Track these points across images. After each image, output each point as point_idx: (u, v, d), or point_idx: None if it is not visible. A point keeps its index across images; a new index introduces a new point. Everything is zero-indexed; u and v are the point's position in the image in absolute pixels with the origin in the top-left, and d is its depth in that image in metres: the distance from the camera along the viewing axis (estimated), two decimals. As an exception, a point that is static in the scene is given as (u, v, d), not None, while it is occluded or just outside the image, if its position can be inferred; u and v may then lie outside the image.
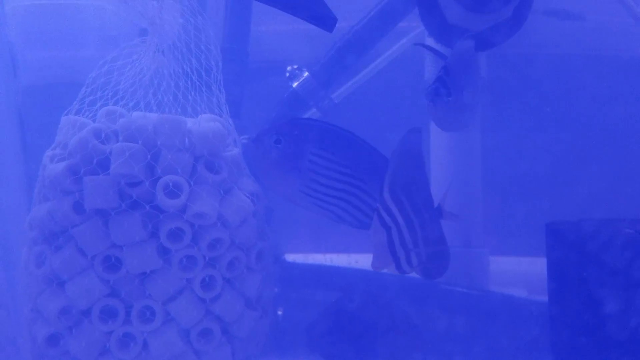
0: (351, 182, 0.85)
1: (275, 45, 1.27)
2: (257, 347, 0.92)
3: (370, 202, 0.85)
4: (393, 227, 0.72)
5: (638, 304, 0.77)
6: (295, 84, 1.12)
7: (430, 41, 1.05)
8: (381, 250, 0.72)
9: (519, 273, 1.31)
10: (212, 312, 0.84)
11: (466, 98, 0.89)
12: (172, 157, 0.81)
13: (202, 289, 0.82)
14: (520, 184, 1.32)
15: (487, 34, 0.95)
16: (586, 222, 0.89)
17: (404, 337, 1.01)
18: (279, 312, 1.10)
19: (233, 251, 0.84)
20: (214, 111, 0.89)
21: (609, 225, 0.86)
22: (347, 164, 0.84)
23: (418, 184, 0.78)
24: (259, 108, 1.10)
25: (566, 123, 1.33)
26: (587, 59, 1.23)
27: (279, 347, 1.03)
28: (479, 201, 1.21)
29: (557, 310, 0.90)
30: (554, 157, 1.35)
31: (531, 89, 1.30)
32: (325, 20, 0.84)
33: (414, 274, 0.85)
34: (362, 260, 1.22)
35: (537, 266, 1.04)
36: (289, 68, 1.10)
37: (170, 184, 0.80)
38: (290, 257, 1.16)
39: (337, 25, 0.85)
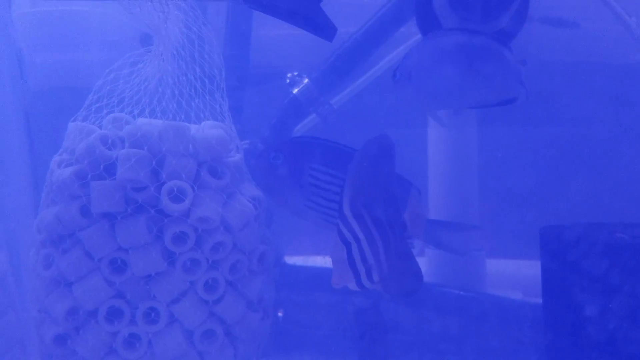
0: None
1: (275, 51, 1.29)
2: (258, 348, 0.93)
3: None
4: (353, 243, 0.70)
5: (625, 308, 0.79)
6: (295, 90, 1.14)
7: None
8: (341, 266, 0.71)
9: (516, 276, 1.34)
10: (215, 313, 0.85)
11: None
12: (177, 163, 0.83)
13: (205, 291, 0.84)
14: (516, 188, 1.34)
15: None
16: (578, 226, 0.91)
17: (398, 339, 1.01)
18: (280, 314, 1.12)
19: (235, 254, 0.86)
20: (216, 118, 0.90)
21: (600, 229, 0.88)
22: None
23: (384, 196, 0.74)
24: (260, 114, 1.12)
25: (562, 128, 1.35)
26: (582, 65, 1.26)
27: (279, 347, 1.05)
28: (475, 205, 1.23)
29: (550, 312, 0.92)
30: (549, 161, 1.37)
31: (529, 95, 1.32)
32: (325, 29, 0.86)
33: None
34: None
35: (533, 269, 1.06)
36: (289, 75, 1.12)
37: (175, 189, 0.82)
38: (291, 260, 1.18)
39: (337, 31, 0.87)
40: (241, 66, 1.11)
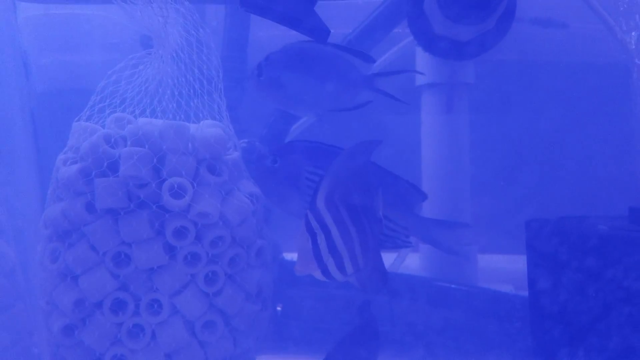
0: None
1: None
2: (257, 339, 0.96)
3: (388, 224, 0.87)
4: (320, 234, 0.71)
5: (610, 298, 0.82)
6: None
7: (419, 50, 1.10)
8: (304, 255, 0.72)
9: (507, 270, 1.37)
10: (215, 305, 0.88)
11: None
12: (177, 161, 0.86)
13: (206, 283, 0.87)
14: (507, 183, 1.37)
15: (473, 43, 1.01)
16: (564, 220, 0.94)
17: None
18: (278, 308, 1.15)
19: (234, 248, 0.89)
20: (215, 117, 0.93)
21: (584, 222, 0.91)
22: None
23: (365, 195, 0.76)
24: (258, 113, 1.15)
25: (551, 125, 1.38)
26: (570, 64, 1.29)
27: (278, 340, 1.08)
28: (467, 200, 1.26)
29: (536, 303, 0.95)
30: (539, 156, 1.40)
31: (518, 93, 1.35)
32: (318, 32, 0.89)
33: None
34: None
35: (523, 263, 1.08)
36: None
37: (175, 186, 0.85)
38: (289, 256, 1.21)
39: (330, 33, 0.90)
40: (239, 67, 1.14)
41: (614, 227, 0.85)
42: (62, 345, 0.87)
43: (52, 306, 0.88)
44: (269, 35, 1.25)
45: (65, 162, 0.90)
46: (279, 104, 0.97)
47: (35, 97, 1.06)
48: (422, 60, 1.21)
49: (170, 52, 0.88)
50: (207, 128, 0.92)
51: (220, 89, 0.92)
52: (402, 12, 1.07)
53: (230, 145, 0.94)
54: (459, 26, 0.95)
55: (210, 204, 0.86)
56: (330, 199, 0.72)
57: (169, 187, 0.85)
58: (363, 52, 0.91)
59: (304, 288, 1.18)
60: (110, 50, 1.18)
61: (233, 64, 1.13)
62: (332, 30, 0.89)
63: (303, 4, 0.86)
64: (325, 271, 0.72)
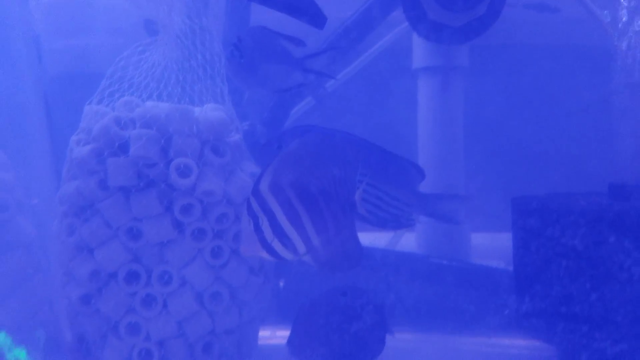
0: (361, 182, 0.88)
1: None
2: (261, 309, 1.02)
3: (392, 203, 0.90)
4: (262, 217, 0.73)
5: (595, 284, 0.87)
6: None
7: (415, 34, 1.14)
8: (247, 238, 0.75)
9: (498, 248, 1.42)
10: (221, 277, 0.94)
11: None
12: (183, 142, 0.91)
13: (212, 257, 0.93)
14: (500, 163, 1.42)
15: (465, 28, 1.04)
16: (548, 197, 1.00)
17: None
18: (281, 284, 1.21)
19: (238, 225, 0.94)
20: (217, 101, 0.98)
21: (568, 199, 0.97)
22: None
23: (326, 179, 0.77)
24: (259, 97, 1.19)
25: (544, 106, 1.42)
26: (562, 47, 1.32)
27: (280, 312, 1.15)
28: (461, 177, 1.31)
29: (521, 276, 1.01)
30: (533, 138, 1.44)
31: (511, 75, 1.39)
32: (316, 18, 0.93)
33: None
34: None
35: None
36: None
37: (182, 166, 0.90)
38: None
39: (327, 20, 0.93)
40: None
41: (592, 203, 0.90)
42: (80, 313, 0.94)
43: (69, 277, 0.94)
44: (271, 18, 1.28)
45: (78, 143, 0.95)
46: (247, 86, 1.01)
47: (49, 80, 1.10)
48: (418, 44, 1.24)
49: (175, 38, 0.92)
50: (211, 111, 0.96)
51: (222, 74, 0.96)
52: (397, -2, 1.10)
53: (233, 128, 0.98)
54: (451, 12, 0.98)
55: (215, 183, 0.91)
56: (276, 184, 0.75)
57: (176, 167, 0.90)
58: (294, 37, 0.94)
59: (305, 264, 1.23)
60: (115, 34, 1.22)
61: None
62: (328, 18, 0.93)
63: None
64: (272, 252, 0.75)
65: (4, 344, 0.89)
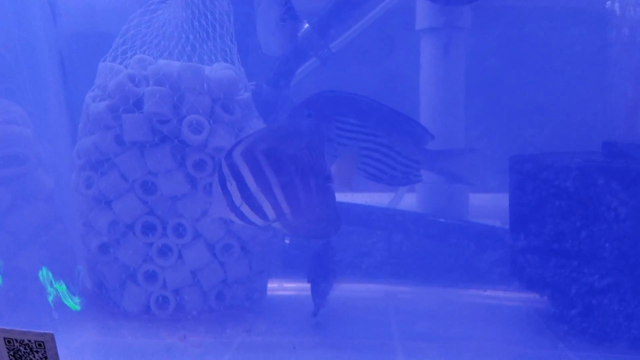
0: (377, 142, 0.93)
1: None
2: (269, 262, 1.07)
3: (402, 160, 0.94)
4: (231, 181, 0.76)
5: (585, 223, 0.92)
6: None
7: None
8: (216, 200, 0.78)
9: (496, 207, 1.46)
10: (232, 230, 0.99)
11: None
12: (194, 99, 0.94)
13: (223, 209, 0.98)
14: (498, 125, 1.44)
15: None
16: (544, 155, 1.04)
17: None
18: (286, 241, 1.26)
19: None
20: (226, 60, 1.00)
21: (563, 157, 1.01)
22: (370, 127, 0.93)
23: (296, 151, 0.79)
24: (265, 57, 1.21)
25: (545, 67, 1.43)
26: (568, 10, 1.32)
27: (286, 268, 1.20)
28: (462, 137, 1.34)
29: (517, 216, 1.05)
30: (531, 100, 1.46)
31: (514, 37, 1.39)
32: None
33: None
34: (363, 199, 1.36)
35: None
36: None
37: (194, 122, 0.94)
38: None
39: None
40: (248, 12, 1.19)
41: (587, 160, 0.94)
42: (100, 262, 0.99)
43: (88, 227, 0.99)
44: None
45: (94, 99, 0.98)
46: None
47: (64, 38, 1.12)
48: (422, 5, 1.25)
49: (186, -3, 0.94)
50: (220, 70, 0.99)
51: (231, 33, 0.98)
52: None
53: (242, 87, 1.01)
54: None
55: (226, 139, 0.94)
56: (249, 152, 0.77)
57: (188, 124, 0.94)
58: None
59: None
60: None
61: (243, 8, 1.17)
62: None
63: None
64: (240, 215, 0.78)
65: (46, 278, 0.95)
